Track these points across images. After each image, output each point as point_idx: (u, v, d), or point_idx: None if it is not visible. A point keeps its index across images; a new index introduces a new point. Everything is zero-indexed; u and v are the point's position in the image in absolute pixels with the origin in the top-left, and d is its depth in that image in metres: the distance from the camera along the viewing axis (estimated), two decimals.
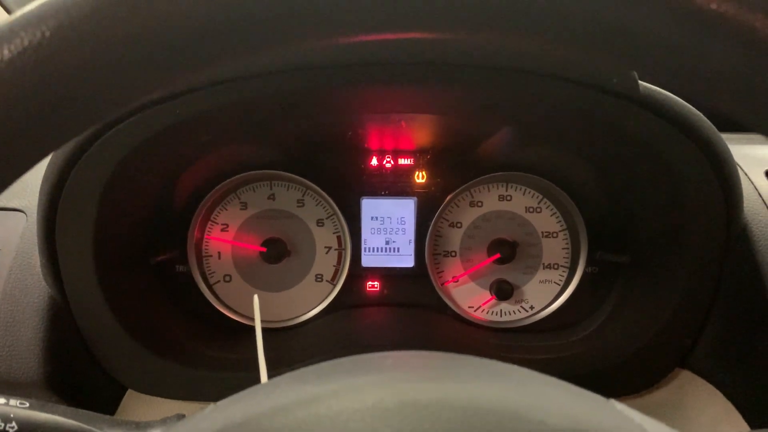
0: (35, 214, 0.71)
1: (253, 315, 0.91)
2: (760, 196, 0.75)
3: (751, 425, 0.72)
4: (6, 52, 0.23)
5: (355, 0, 0.25)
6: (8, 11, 1.10)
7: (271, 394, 0.31)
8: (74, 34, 0.23)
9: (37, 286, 0.72)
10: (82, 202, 0.69)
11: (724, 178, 0.68)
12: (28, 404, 0.44)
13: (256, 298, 0.66)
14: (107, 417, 0.49)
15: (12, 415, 0.42)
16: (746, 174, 0.78)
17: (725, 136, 0.70)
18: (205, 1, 0.24)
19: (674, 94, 0.68)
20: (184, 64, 0.25)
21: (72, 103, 0.24)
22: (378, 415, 0.26)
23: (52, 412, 0.45)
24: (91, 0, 0.23)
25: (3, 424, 0.41)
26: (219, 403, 0.32)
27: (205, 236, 0.93)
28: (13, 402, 0.43)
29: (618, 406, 0.30)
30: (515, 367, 0.33)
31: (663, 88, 0.67)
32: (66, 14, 0.23)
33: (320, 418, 0.26)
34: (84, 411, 0.49)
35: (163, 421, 0.51)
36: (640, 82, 0.67)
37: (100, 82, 0.24)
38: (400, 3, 0.25)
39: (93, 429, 0.46)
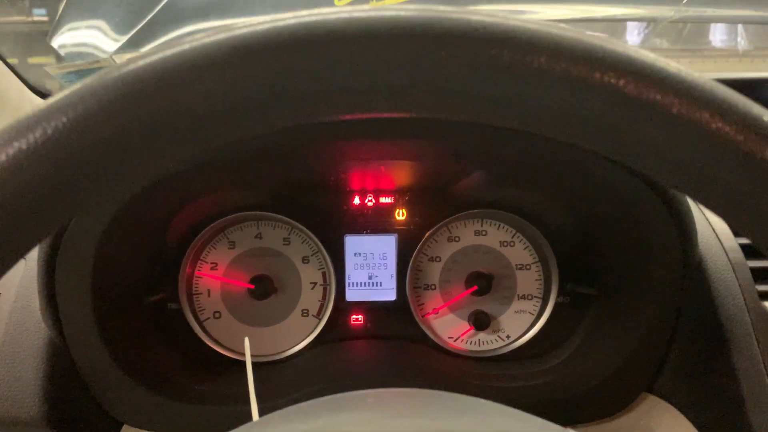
0: (33, 260, 0.75)
1: (243, 351, 0.95)
2: (714, 231, 0.81)
3: None
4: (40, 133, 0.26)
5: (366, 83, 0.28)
6: (43, 96, 1.15)
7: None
8: (98, 120, 0.27)
9: (37, 328, 0.76)
10: (81, 249, 0.73)
11: (679, 220, 0.74)
12: None
13: (247, 341, 0.70)
14: None
15: None
16: (701, 210, 0.84)
17: None
18: (213, 92, 0.27)
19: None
20: (195, 142, 0.29)
21: (94, 177, 0.28)
22: None
23: None
24: (112, 91, 0.27)
25: None
26: None
27: (196, 274, 0.97)
28: None
29: None
30: (483, 401, 0.38)
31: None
32: (93, 101, 0.27)
33: None
34: None
35: None
36: None
37: (119, 160, 0.28)
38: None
39: None
